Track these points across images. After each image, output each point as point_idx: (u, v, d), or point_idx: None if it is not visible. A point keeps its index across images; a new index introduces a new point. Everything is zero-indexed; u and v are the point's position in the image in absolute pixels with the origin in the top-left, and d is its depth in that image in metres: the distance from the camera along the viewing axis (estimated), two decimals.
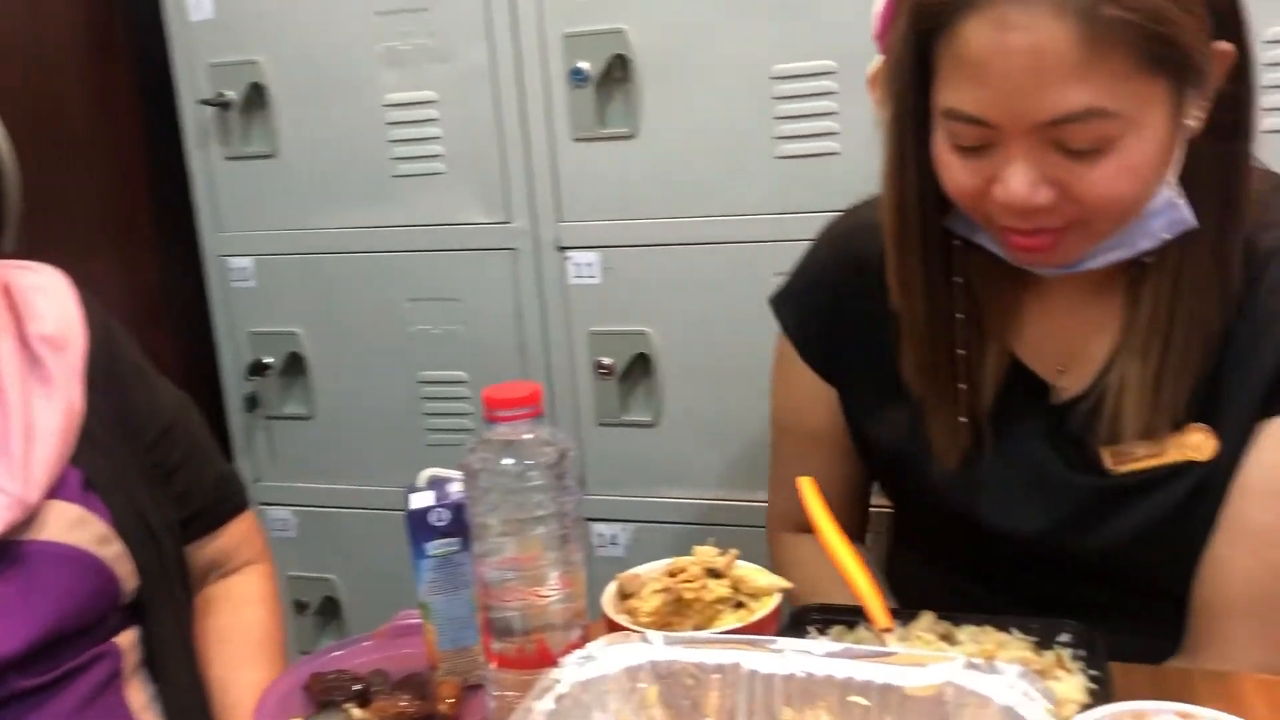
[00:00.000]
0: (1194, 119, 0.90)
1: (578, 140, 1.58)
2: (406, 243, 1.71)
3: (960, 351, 1.02)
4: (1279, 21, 1.29)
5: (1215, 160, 0.93)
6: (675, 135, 1.54)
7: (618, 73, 1.55)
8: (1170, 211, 0.93)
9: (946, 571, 1.15)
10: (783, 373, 1.19)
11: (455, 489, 0.96)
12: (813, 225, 1.50)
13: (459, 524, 0.93)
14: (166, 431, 1.10)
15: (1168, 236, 0.94)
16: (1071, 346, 1.03)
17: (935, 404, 1.04)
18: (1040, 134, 0.86)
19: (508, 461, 0.83)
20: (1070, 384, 1.03)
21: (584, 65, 1.55)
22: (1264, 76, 1.27)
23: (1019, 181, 0.88)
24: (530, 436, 0.83)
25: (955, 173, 0.93)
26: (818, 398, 1.15)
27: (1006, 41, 0.84)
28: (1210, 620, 0.99)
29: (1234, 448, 0.97)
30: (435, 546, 0.94)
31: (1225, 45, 0.90)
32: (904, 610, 0.94)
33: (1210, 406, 0.97)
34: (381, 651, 1.01)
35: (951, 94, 0.89)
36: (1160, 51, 0.84)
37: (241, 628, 1.13)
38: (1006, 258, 0.98)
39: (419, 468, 1.05)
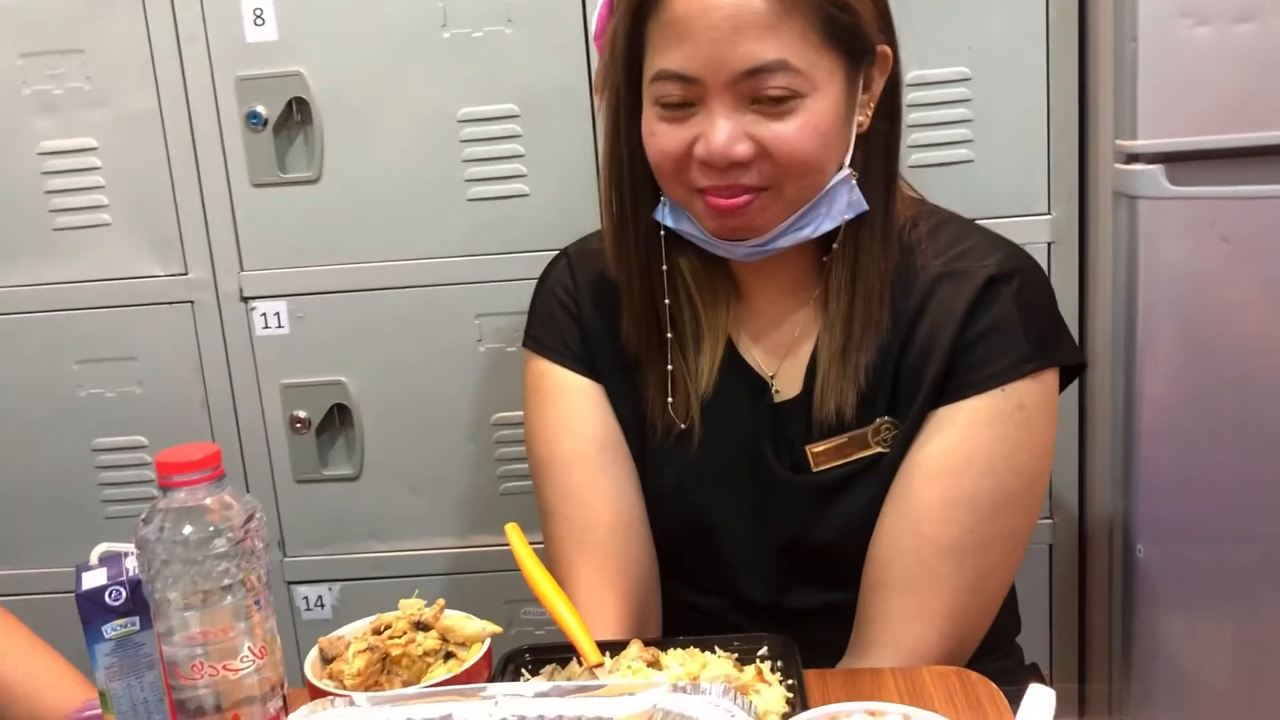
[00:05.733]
0: (863, 116, 1.04)
1: (257, 186, 1.52)
2: (71, 300, 1.58)
3: (668, 335, 1.11)
4: (914, 67, 1.41)
5: (878, 153, 1.06)
6: (361, 179, 1.51)
7: (297, 116, 1.50)
8: (848, 191, 1.04)
9: (684, 588, 1.19)
10: (553, 402, 1.17)
11: (132, 564, 0.89)
12: (505, 266, 1.52)
13: (137, 601, 0.86)
14: None
15: (848, 216, 1.05)
16: (781, 349, 1.12)
17: (647, 359, 1.13)
18: (737, 88, 0.98)
19: (188, 530, 0.78)
20: (785, 386, 1.11)
21: (260, 109, 1.49)
22: (908, 115, 1.42)
23: (722, 134, 0.98)
24: (211, 501, 0.78)
25: (662, 139, 1.02)
26: (599, 403, 1.16)
27: (710, 2, 0.96)
28: (873, 597, 1.07)
29: (909, 438, 1.07)
30: (112, 628, 0.87)
31: (886, 48, 1.03)
32: (612, 642, 0.95)
33: (896, 404, 1.08)
34: None
35: (660, 58, 1.00)
36: (838, 27, 0.99)
37: None
38: (704, 234, 1.06)
39: (97, 544, 0.97)
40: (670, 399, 1.12)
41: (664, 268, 1.10)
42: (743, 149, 0.99)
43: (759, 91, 0.97)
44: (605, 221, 1.14)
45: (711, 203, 1.02)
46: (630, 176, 1.08)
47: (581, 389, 1.16)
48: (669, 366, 1.11)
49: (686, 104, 1.00)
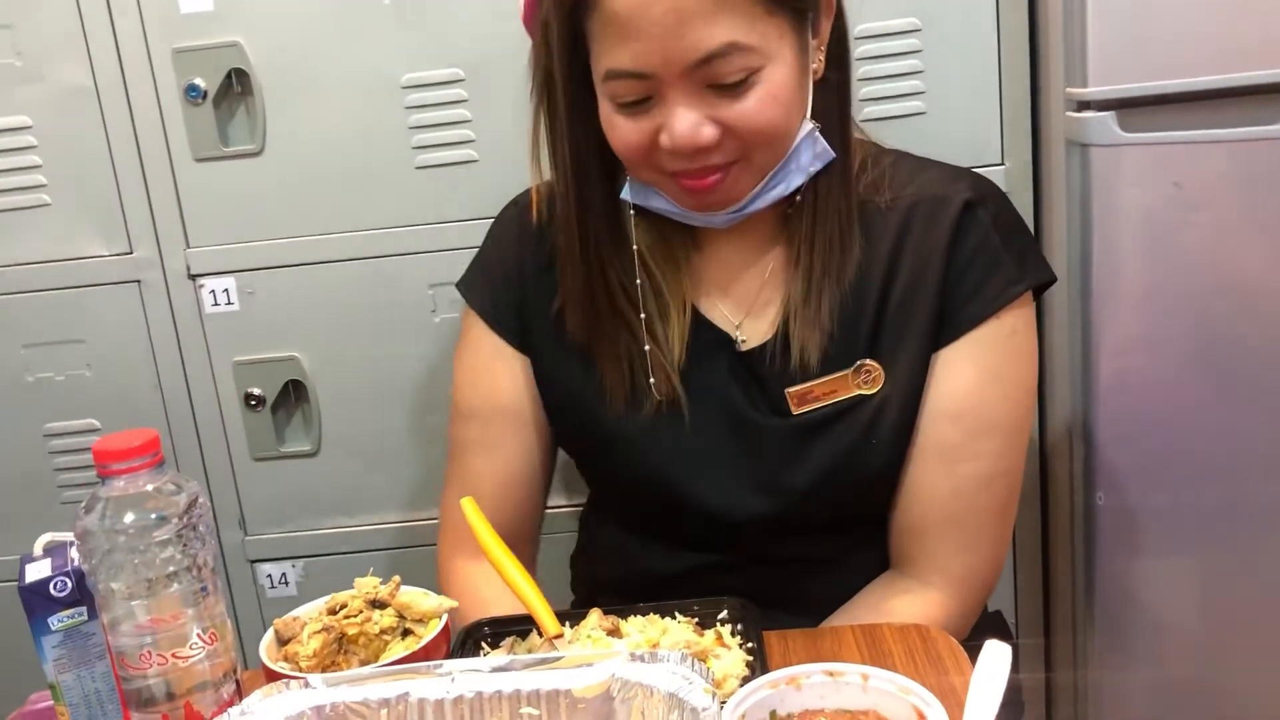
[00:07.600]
0: (817, 63, 1.02)
1: (200, 160, 1.48)
2: (14, 283, 1.55)
3: (642, 315, 1.09)
4: (864, 19, 1.40)
5: (831, 98, 1.05)
6: (305, 150, 1.48)
7: (237, 88, 1.46)
8: (813, 144, 1.04)
9: (660, 549, 1.18)
10: (471, 352, 1.20)
11: (78, 553, 0.87)
12: (457, 234, 1.50)
13: (84, 591, 0.84)
14: None
15: (816, 168, 1.05)
16: (748, 298, 1.12)
17: (608, 347, 1.11)
18: (692, 76, 0.95)
19: (130, 518, 0.76)
20: (751, 334, 1.11)
21: (199, 81, 1.45)
22: (858, 69, 1.40)
23: (684, 123, 0.97)
24: (152, 488, 0.77)
25: (622, 132, 1.00)
26: (511, 370, 1.17)
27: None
28: (914, 539, 1.10)
29: (901, 379, 1.07)
30: (58, 619, 0.85)
31: None
32: (572, 612, 0.95)
33: (878, 345, 1.08)
34: None
35: (609, 57, 0.97)
36: None
37: None
38: (680, 209, 1.06)
39: (54, 529, 0.95)
40: (650, 379, 1.10)
41: (635, 249, 1.09)
42: (708, 133, 0.97)
43: (714, 78, 0.95)
44: (561, 204, 1.09)
45: (686, 185, 1.02)
46: (576, 166, 1.05)
47: (495, 352, 1.17)
48: (646, 348, 1.10)
49: (644, 99, 0.98)
